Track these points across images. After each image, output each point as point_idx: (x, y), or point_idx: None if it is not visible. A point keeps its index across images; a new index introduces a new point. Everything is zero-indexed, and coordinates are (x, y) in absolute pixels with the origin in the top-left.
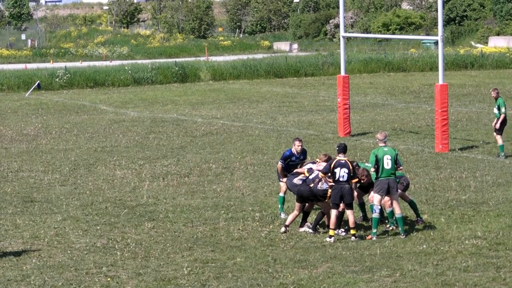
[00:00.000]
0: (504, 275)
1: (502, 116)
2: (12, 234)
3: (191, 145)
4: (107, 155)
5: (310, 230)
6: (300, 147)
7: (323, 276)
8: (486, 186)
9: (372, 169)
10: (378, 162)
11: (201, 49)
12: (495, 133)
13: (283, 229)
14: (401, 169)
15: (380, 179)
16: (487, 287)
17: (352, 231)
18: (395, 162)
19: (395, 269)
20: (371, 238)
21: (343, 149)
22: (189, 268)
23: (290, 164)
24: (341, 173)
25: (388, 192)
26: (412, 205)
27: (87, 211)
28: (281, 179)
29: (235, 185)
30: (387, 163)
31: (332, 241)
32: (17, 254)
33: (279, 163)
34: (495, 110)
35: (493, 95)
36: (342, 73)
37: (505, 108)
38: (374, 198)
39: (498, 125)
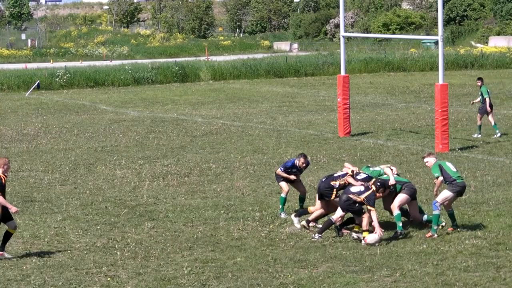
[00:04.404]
0: (504, 275)
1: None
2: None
3: (191, 145)
4: (107, 155)
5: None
6: (304, 164)
7: (323, 276)
8: (486, 186)
9: (441, 178)
10: (442, 169)
11: (201, 48)
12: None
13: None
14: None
15: (457, 182)
16: (487, 287)
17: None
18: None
19: (395, 269)
20: (431, 236)
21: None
22: (189, 268)
23: (291, 173)
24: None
25: (460, 194)
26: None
27: (87, 211)
28: (281, 180)
29: (235, 185)
30: (452, 167)
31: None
32: (17, 253)
33: (279, 169)
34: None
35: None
36: (342, 72)
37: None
38: (443, 194)
39: (489, 108)
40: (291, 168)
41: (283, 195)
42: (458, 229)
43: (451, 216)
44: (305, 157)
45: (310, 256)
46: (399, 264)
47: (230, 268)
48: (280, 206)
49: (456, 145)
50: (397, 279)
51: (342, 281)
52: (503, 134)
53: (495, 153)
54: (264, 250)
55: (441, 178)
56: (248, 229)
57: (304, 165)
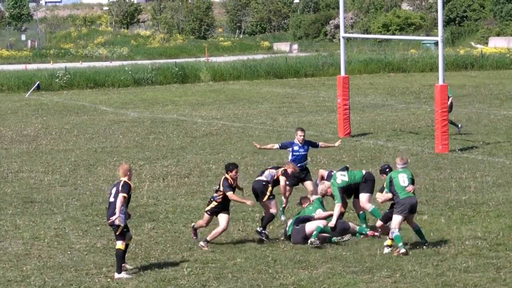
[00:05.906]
0: (504, 275)
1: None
2: (12, 234)
3: (191, 146)
4: (107, 156)
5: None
6: (302, 137)
7: (323, 277)
8: (486, 187)
9: (389, 194)
10: (392, 183)
11: (201, 49)
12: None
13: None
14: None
15: (401, 198)
16: None
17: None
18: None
19: (395, 269)
20: (399, 252)
21: None
22: (189, 269)
23: (295, 155)
24: None
25: (411, 212)
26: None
27: (87, 212)
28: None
29: None
30: (403, 181)
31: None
32: (17, 254)
33: (276, 146)
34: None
35: None
36: (342, 73)
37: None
38: (394, 219)
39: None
40: (290, 145)
41: (283, 198)
42: (426, 245)
43: (418, 232)
44: (302, 130)
45: (310, 257)
46: (399, 265)
47: (230, 269)
48: (280, 208)
49: (456, 145)
50: (397, 280)
51: (342, 282)
52: (464, 133)
53: (495, 154)
54: (264, 251)
55: (389, 194)
56: (248, 230)
57: (301, 137)
